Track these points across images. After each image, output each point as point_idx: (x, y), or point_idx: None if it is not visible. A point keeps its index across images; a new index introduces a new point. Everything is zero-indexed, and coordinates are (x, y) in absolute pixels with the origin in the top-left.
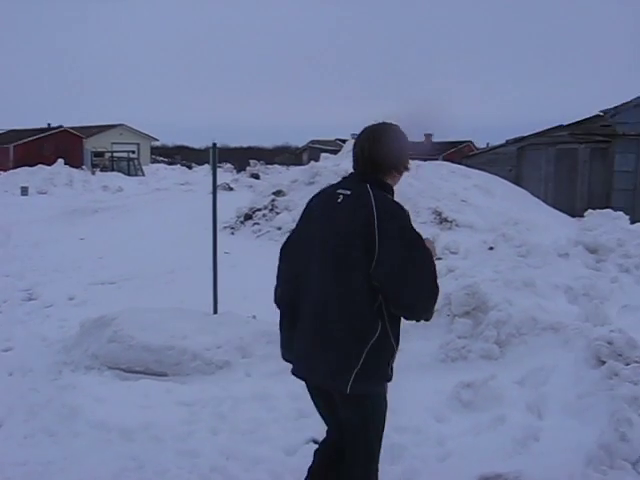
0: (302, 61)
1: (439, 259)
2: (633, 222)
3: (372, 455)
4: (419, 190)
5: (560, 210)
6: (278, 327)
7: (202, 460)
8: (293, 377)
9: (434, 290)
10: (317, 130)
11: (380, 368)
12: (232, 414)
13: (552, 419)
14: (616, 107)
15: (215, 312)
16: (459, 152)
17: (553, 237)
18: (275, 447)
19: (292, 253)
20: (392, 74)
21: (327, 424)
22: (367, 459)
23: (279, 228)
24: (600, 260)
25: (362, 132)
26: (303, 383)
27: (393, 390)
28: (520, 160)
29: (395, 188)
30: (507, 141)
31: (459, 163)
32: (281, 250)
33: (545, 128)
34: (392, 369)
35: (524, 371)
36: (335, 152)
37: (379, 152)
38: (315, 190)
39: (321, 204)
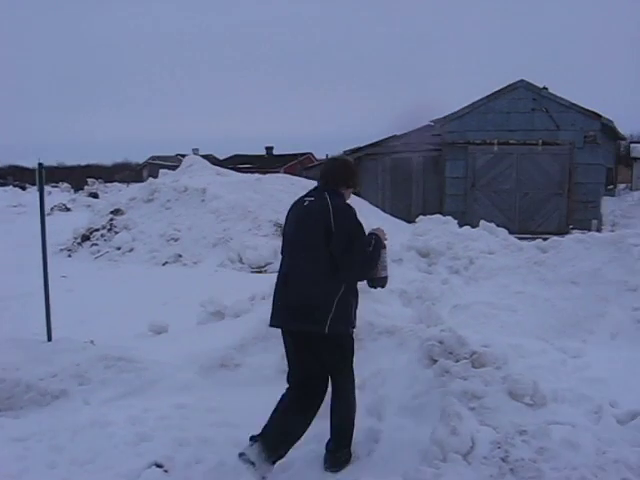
0: (139, 73)
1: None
2: (462, 225)
3: (352, 378)
4: (260, 203)
5: (397, 217)
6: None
7: None
8: (132, 402)
9: (367, 260)
10: (158, 145)
11: (346, 315)
12: (70, 445)
13: (390, 420)
14: (445, 117)
15: (49, 339)
16: (300, 164)
17: (389, 243)
18: (116, 475)
19: (283, 248)
20: (226, 89)
21: (294, 368)
22: (349, 382)
23: (118, 248)
24: (432, 263)
25: (329, 160)
26: (142, 406)
27: (234, 405)
28: (357, 170)
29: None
30: (345, 152)
31: (299, 175)
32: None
33: (380, 138)
34: (355, 317)
35: (364, 376)
36: (175, 168)
37: (336, 171)
38: (154, 206)
39: (294, 210)
